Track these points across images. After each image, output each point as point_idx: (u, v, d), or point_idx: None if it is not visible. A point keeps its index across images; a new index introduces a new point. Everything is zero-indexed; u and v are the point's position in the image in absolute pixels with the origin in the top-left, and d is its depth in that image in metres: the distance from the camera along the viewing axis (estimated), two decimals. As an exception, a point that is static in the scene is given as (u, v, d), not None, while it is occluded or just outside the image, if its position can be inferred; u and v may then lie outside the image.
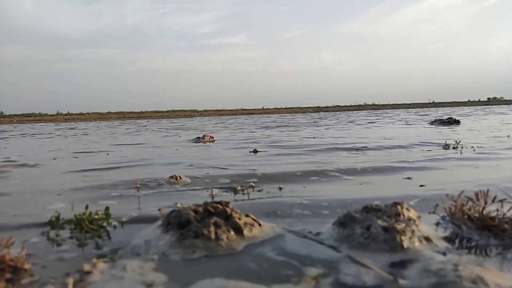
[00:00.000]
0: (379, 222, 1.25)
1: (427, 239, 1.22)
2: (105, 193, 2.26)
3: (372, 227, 1.23)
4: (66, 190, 2.40)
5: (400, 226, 1.22)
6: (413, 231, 1.22)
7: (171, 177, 2.59)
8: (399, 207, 1.36)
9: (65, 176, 3.05)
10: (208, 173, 2.86)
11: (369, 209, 1.36)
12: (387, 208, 1.36)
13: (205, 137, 6.42)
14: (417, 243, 1.18)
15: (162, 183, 2.50)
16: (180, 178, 2.59)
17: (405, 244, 1.16)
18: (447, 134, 5.97)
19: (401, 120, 11.97)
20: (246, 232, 1.33)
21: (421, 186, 2.17)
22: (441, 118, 9.83)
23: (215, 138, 6.55)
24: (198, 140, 6.40)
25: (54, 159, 4.33)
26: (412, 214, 1.36)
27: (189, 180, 2.58)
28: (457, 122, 8.81)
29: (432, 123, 9.28)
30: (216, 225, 1.31)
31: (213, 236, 1.26)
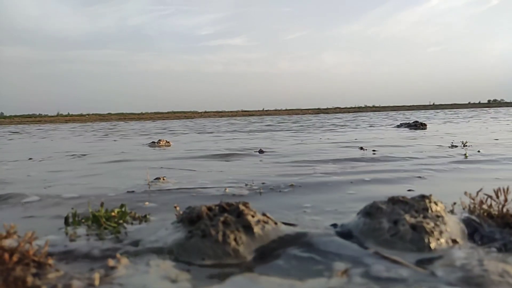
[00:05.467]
0: (407, 218, 1.21)
1: (454, 237, 1.19)
2: None
3: (399, 223, 1.19)
4: None
5: (429, 225, 1.18)
6: (441, 232, 1.18)
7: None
8: (427, 201, 1.31)
9: None
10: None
11: (396, 201, 1.32)
12: (414, 201, 1.31)
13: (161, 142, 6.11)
14: (444, 243, 1.15)
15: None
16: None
17: (433, 245, 1.13)
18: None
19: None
20: (257, 230, 1.23)
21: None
22: (408, 122, 9.46)
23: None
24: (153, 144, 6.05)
25: None
26: (440, 208, 1.31)
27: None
28: (423, 125, 8.50)
29: (398, 126, 9.02)
30: (226, 224, 1.22)
31: (220, 238, 1.17)
